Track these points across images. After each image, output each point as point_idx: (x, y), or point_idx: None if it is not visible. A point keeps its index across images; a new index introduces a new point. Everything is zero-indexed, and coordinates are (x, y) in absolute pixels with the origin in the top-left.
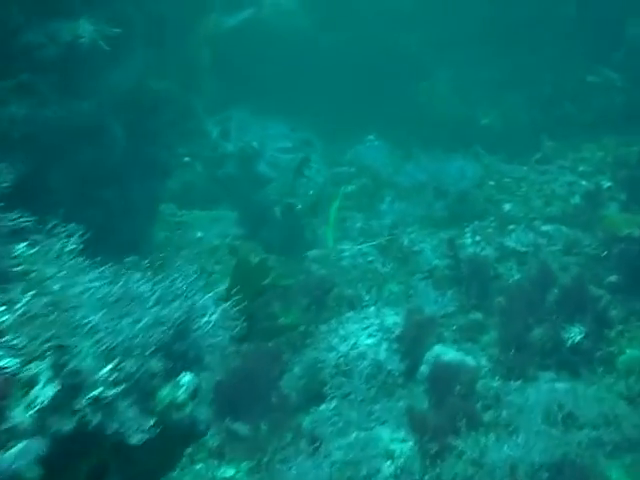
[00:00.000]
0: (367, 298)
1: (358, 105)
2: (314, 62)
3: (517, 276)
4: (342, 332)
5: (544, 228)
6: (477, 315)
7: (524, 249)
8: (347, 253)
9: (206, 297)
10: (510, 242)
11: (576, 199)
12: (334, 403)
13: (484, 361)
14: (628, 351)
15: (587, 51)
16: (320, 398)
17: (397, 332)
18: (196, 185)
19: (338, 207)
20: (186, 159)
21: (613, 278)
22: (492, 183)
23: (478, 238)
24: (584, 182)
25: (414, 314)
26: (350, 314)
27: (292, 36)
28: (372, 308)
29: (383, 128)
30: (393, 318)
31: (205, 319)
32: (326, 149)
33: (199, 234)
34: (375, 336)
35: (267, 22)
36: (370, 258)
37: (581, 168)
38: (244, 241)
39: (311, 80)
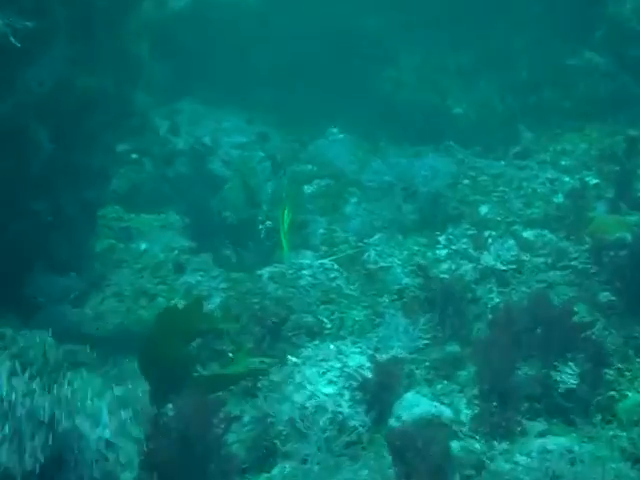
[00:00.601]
0: (329, 326)
1: (319, 94)
2: (268, 47)
3: (497, 299)
4: (298, 378)
5: (525, 234)
6: (453, 347)
7: (504, 267)
8: (306, 272)
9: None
10: (489, 258)
11: (559, 198)
12: (287, 469)
13: (463, 407)
14: (630, 395)
15: (566, 32)
16: (271, 463)
17: (361, 377)
18: (144, 185)
19: (295, 211)
20: (133, 156)
21: (605, 296)
22: (467, 182)
23: (453, 249)
24: (567, 178)
25: (381, 351)
26: (308, 351)
27: (242, 17)
28: (332, 346)
29: (347, 120)
30: (357, 358)
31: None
32: (284, 144)
33: (143, 246)
34: (336, 383)
35: (214, 3)
36: (333, 274)
37: (563, 162)
38: (192, 255)
39: (266, 67)
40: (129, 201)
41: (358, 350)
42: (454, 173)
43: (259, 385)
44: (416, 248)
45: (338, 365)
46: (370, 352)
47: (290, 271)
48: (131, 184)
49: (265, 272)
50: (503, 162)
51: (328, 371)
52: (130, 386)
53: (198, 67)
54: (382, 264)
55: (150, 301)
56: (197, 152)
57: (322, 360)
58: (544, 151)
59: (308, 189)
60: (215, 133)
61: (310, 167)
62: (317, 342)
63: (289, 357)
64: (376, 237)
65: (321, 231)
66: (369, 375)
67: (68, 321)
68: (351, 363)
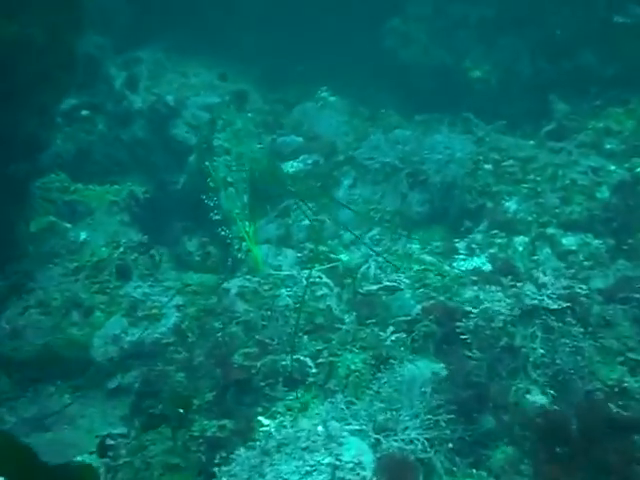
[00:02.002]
0: (314, 371)
1: (308, 47)
2: None
3: (541, 350)
4: (269, 474)
5: (565, 241)
6: (487, 420)
7: (553, 304)
8: (285, 289)
9: None
10: (529, 287)
11: (604, 193)
12: None
13: None
14: None
15: None
16: None
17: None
18: (95, 149)
19: (277, 194)
20: (84, 113)
21: None
22: (489, 167)
23: (477, 265)
24: (613, 167)
25: (387, 430)
26: (286, 423)
27: None
28: (320, 427)
29: (341, 80)
30: (354, 448)
31: None
32: (264, 105)
33: (83, 235)
34: None
35: None
36: (321, 291)
37: (608, 145)
38: (143, 250)
39: (246, 10)
40: (76, 167)
41: (356, 427)
42: (473, 155)
43: None
44: (428, 259)
45: (327, 460)
46: (372, 435)
47: (265, 286)
48: (79, 147)
49: (233, 286)
50: (532, 142)
51: (313, 471)
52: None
53: (164, 7)
54: (386, 282)
55: (84, 316)
56: (158, 113)
57: (305, 448)
58: (583, 129)
59: (291, 167)
60: (180, 90)
61: (294, 137)
62: (297, 403)
63: (260, 420)
64: (374, 232)
65: (306, 222)
66: None
67: None
68: (347, 455)
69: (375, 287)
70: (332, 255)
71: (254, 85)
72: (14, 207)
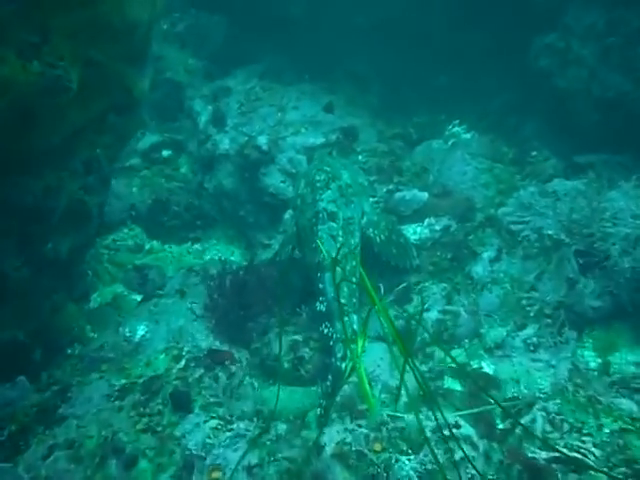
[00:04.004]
0: None
1: (439, 67)
2: None
3: None
4: None
5: None
6: None
7: None
8: (406, 458)
9: None
10: None
11: None
12: None
13: None
14: None
15: None
16: None
17: None
18: (175, 199)
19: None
20: (165, 153)
21: None
22: None
23: None
24: None
25: None
26: None
27: None
28: None
29: (477, 109)
30: None
31: None
32: (378, 145)
33: (140, 331)
34: None
35: None
36: (459, 451)
37: None
38: (209, 369)
39: (362, 27)
40: (154, 220)
41: None
42: None
43: None
44: (626, 404)
45: None
46: None
47: (376, 443)
48: (157, 197)
49: (329, 441)
50: None
51: None
52: None
53: (267, 25)
54: (562, 445)
55: (124, 469)
56: (248, 158)
57: None
58: None
59: (413, 233)
60: (276, 128)
61: (416, 193)
62: None
63: None
64: (530, 332)
65: (435, 315)
66: None
67: None
68: None
69: (544, 455)
70: (471, 364)
71: (369, 116)
72: (56, 289)
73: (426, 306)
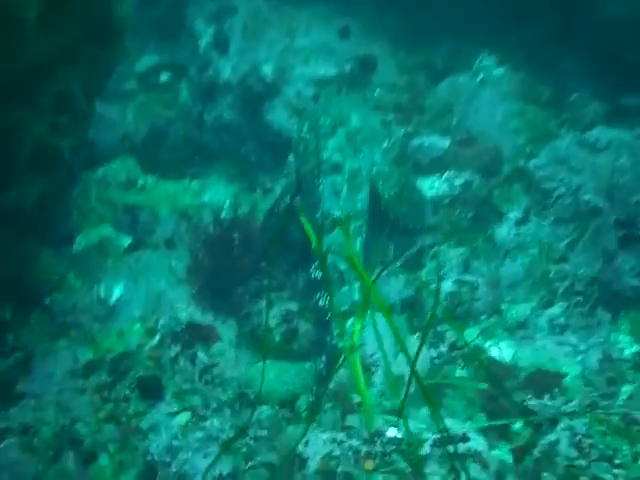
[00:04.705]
0: None
1: None
2: None
3: None
4: None
5: None
6: None
7: None
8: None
9: None
10: None
11: None
12: None
13: None
14: None
15: None
16: None
17: None
18: (173, 129)
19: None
20: (163, 77)
21: None
22: None
23: None
24: None
25: None
26: None
27: None
28: None
29: (512, 38)
30: None
31: None
32: (398, 78)
33: (117, 292)
34: None
35: None
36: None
37: None
38: (188, 347)
39: None
40: (150, 152)
41: None
42: None
43: None
44: None
45: None
46: None
47: (367, 462)
48: (153, 126)
49: (312, 453)
50: None
51: None
52: None
53: None
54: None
55: (82, 464)
56: (250, 90)
57: None
58: None
59: (430, 187)
60: (284, 56)
61: (436, 139)
62: None
63: None
64: (556, 310)
65: (449, 285)
66: None
67: None
68: None
69: None
70: (485, 350)
71: (388, 44)
72: (26, 238)
73: (440, 273)
